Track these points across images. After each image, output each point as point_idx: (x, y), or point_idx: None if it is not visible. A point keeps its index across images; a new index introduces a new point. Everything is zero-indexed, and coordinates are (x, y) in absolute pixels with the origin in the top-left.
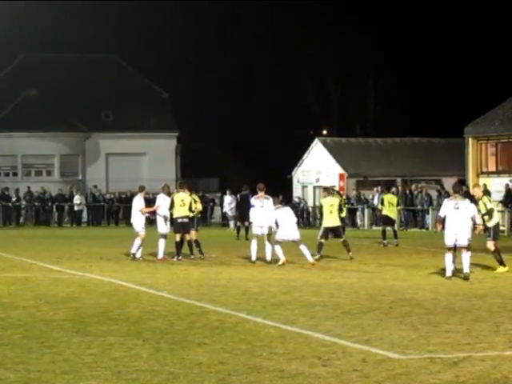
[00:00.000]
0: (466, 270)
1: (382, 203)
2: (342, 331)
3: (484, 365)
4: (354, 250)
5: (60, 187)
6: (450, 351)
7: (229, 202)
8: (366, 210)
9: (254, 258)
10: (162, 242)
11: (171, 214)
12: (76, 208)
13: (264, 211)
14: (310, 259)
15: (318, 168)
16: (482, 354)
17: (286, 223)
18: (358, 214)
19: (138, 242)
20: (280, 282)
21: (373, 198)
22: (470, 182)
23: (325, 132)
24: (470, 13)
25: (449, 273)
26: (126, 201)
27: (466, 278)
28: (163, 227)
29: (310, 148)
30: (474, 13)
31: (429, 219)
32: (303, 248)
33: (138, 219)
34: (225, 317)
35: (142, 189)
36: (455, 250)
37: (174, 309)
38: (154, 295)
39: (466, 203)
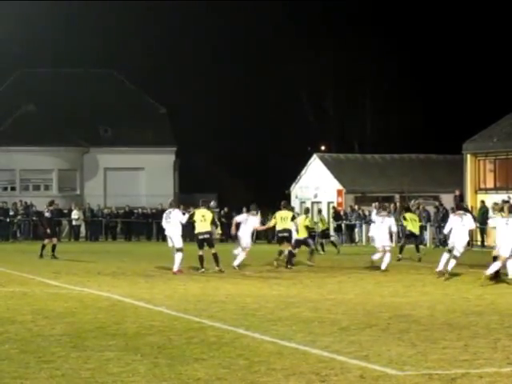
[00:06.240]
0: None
1: (405, 219)
2: (340, 347)
3: (482, 381)
4: (352, 267)
5: (58, 202)
6: (447, 368)
7: None
8: (364, 226)
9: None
10: (178, 256)
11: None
12: (74, 223)
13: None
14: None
15: (316, 184)
16: (480, 370)
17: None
18: (357, 230)
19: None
20: (278, 298)
21: (370, 214)
22: (469, 198)
23: (323, 148)
24: (468, 30)
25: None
26: (124, 216)
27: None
28: (180, 241)
29: (308, 164)
30: (472, 30)
31: (426, 235)
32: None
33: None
34: (222, 332)
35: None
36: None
37: (172, 324)
38: (151, 310)
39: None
